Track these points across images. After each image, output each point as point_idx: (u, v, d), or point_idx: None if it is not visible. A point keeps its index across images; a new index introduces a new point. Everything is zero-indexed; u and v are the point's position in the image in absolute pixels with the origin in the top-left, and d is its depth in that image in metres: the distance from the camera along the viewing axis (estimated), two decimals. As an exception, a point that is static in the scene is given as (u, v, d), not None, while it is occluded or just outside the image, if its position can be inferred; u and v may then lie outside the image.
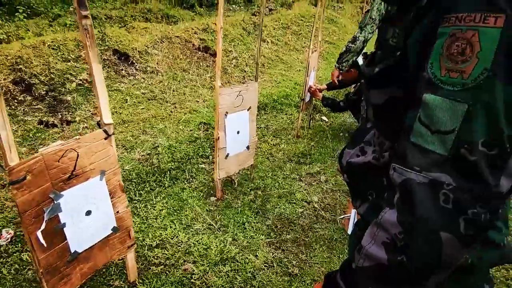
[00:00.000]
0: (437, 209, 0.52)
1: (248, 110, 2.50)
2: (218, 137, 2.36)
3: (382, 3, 2.44)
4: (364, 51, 2.67)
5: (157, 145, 3.23)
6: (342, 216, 2.42)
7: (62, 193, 1.33)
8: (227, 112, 2.35)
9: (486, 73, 0.47)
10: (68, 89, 3.50)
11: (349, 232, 1.11)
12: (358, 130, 0.93)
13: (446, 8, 0.50)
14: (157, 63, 4.53)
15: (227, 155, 2.48)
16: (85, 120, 3.34)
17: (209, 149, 3.26)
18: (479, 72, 0.47)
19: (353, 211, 2.31)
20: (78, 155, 1.37)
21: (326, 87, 3.75)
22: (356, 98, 3.29)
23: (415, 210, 0.54)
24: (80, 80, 3.65)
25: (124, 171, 2.81)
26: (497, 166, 0.49)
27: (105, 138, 1.50)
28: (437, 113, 0.52)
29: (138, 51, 4.50)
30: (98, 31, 4.38)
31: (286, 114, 4.17)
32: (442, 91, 0.51)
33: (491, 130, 0.49)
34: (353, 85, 3.73)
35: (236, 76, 5.13)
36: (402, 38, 0.61)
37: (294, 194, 2.70)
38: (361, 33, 2.47)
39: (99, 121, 1.50)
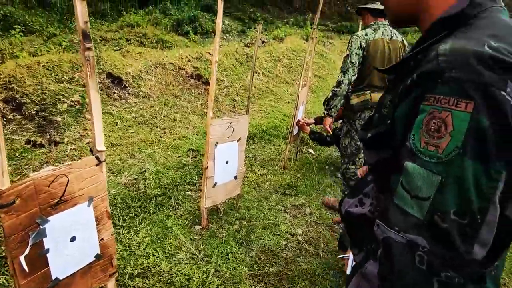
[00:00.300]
0: (413, 268, 0.58)
1: (237, 141, 2.56)
2: (207, 166, 2.40)
3: (360, 47, 2.58)
4: None
5: (144, 170, 3.23)
6: (341, 256, 2.44)
7: (49, 218, 1.34)
8: (217, 142, 2.40)
9: (457, 150, 0.53)
10: (59, 109, 3.52)
11: (348, 272, 1.14)
12: (360, 181, 0.99)
13: (428, 88, 0.57)
14: (149, 88, 4.61)
15: (214, 184, 2.51)
16: (73, 142, 3.34)
17: (196, 176, 3.28)
18: (451, 149, 0.54)
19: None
20: (68, 180, 1.39)
21: (314, 121, 3.86)
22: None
23: (394, 267, 0.60)
24: (72, 101, 3.67)
25: (109, 196, 2.79)
26: (468, 235, 0.54)
27: (97, 165, 1.52)
28: (415, 180, 0.58)
29: (132, 75, 4.57)
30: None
31: (274, 145, 4.25)
32: (420, 161, 0.57)
33: (462, 201, 0.54)
34: (339, 121, 3.86)
35: (226, 105, 5.24)
36: (392, 109, 0.68)
37: (279, 226, 2.72)
38: (344, 77, 2.60)
39: (92, 147, 1.53)
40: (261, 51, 7.39)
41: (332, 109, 2.73)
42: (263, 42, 8.56)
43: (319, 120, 3.98)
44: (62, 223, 1.39)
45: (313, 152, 4.21)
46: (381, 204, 0.75)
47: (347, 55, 2.63)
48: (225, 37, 13.49)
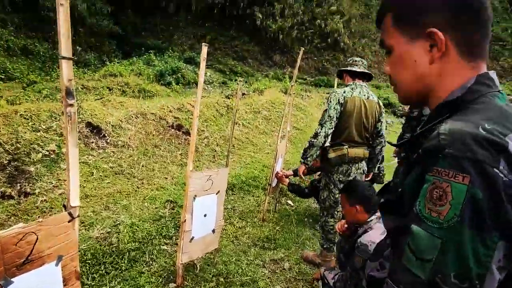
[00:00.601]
0: None
1: (216, 193, 2.55)
2: (185, 220, 2.35)
3: (338, 103, 2.73)
4: None
5: (118, 222, 3.12)
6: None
7: (13, 279, 1.26)
8: (196, 195, 2.37)
9: (456, 218, 0.59)
10: (33, 159, 3.43)
11: None
12: (380, 244, 1.02)
13: (431, 162, 0.65)
14: (129, 138, 4.60)
15: (192, 238, 2.44)
16: (45, 193, 3.22)
17: (173, 229, 3.18)
18: (451, 216, 0.60)
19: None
20: (37, 238, 1.33)
21: (292, 173, 3.92)
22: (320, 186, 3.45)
23: None
24: (47, 151, 3.60)
25: (79, 252, 2.65)
26: None
27: (69, 221, 1.47)
28: (420, 242, 0.63)
29: (112, 124, 4.58)
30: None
31: (253, 196, 4.23)
32: (425, 225, 0.63)
33: (461, 266, 0.59)
34: (317, 173, 3.93)
35: (206, 155, 5.26)
36: (402, 178, 0.75)
37: (257, 283, 2.62)
38: (321, 129, 2.72)
39: (65, 203, 1.49)
40: (242, 102, 7.62)
41: (308, 158, 2.81)
42: (243, 94, 8.87)
43: (297, 173, 4.04)
44: (27, 285, 1.31)
45: (292, 204, 4.21)
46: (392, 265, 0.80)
47: (326, 109, 2.76)
48: (206, 87, 13.90)
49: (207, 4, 17.40)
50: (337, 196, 2.87)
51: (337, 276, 2.00)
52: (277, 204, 4.01)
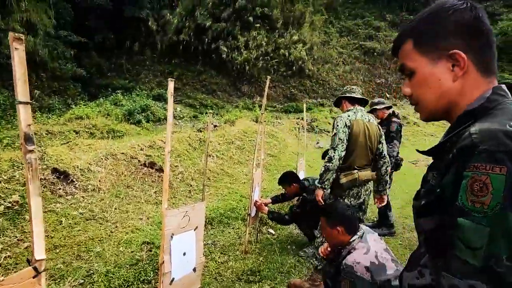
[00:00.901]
0: None
1: (194, 230, 2.46)
2: (163, 261, 2.23)
3: (346, 126, 2.83)
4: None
5: (92, 272, 2.93)
6: None
7: None
8: (173, 234, 2.28)
9: (499, 206, 0.65)
10: (-6, 213, 3.20)
11: None
12: (413, 254, 1.07)
13: (467, 159, 0.72)
14: (99, 181, 4.42)
15: (172, 280, 2.31)
16: (9, 248, 2.99)
17: (151, 272, 3.01)
18: (494, 205, 0.66)
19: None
20: (-2, 301, 1.21)
21: (270, 200, 3.88)
22: (300, 211, 3.43)
23: None
24: (10, 202, 3.38)
25: (49, 308, 2.45)
26: None
27: (34, 277, 1.36)
28: (469, 233, 0.69)
29: (80, 168, 4.40)
30: (38, 150, 4.27)
31: (233, 228, 4.13)
32: (471, 217, 0.69)
33: (510, 248, 0.65)
34: (296, 198, 3.91)
35: (182, 191, 5.13)
36: (439, 179, 0.83)
37: (245, 320, 2.50)
38: (335, 153, 2.80)
39: (29, 257, 1.38)
40: (214, 134, 7.61)
41: (325, 183, 2.84)
42: (215, 126, 8.88)
43: (275, 200, 4.01)
44: None
45: (274, 232, 4.13)
46: (442, 261, 0.84)
47: (335, 133, 2.85)
48: (177, 123, 13.82)
49: (172, 41, 17.64)
50: None
51: (325, 303, 1.94)
52: (258, 234, 3.92)
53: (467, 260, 0.69)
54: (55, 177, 4.02)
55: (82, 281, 2.82)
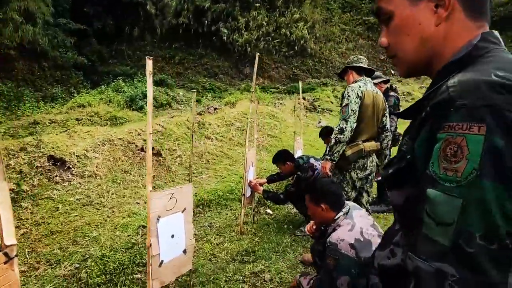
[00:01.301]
0: None
1: (182, 212, 2.44)
2: (151, 244, 2.22)
3: (358, 96, 2.73)
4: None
5: (87, 256, 2.95)
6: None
7: None
8: (159, 216, 2.26)
9: (475, 172, 0.54)
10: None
11: None
12: (388, 231, 0.98)
13: (441, 118, 0.60)
14: (96, 167, 4.42)
15: (161, 263, 2.31)
16: None
17: (147, 255, 3.02)
18: (469, 171, 0.55)
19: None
20: (-36, 287, 1.19)
21: (266, 180, 3.83)
22: (294, 190, 3.38)
23: None
24: (5, 190, 3.40)
25: (44, 293, 2.48)
26: (501, 262, 0.53)
27: (5, 262, 1.34)
28: (438, 206, 0.58)
29: (76, 155, 4.40)
30: (33, 138, 4.27)
31: (231, 209, 4.12)
32: (441, 187, 0.58)
33: (487, 225, 0.53)
34: (291, 177, 3.87)
35: (180, 174, 5.12)
36: (410, 144, 0.71)
37: (238, 299, 2.50)
38: (347, 124, 2.70)
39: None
40: (214, 117, 7.56)
41: (335, 155, 2.75)
42: (215, 109, 8.81)
43: (271, 179, 3.97)
44: None
45: (271, 212, 4.12)
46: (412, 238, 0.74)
47: (346, 104, 2.74)
48: (180, 107, 13.78)
49: (171, 24, 17.40)
50: (349, 194, 2.88)
51: (312, 281, 1.91)
52: (255, 215, 3.91)
53: (435, 239, 0.58)
54: (51, 164, 4.03)
55: (78, 265, 2.85)
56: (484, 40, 0.69)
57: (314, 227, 2.02)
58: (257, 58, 3.18)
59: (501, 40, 0.70)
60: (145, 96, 13.42)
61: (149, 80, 2.15)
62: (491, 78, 0.57)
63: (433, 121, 0.63)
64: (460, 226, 0.55)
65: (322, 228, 1.99)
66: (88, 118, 10.16)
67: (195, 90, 2.56)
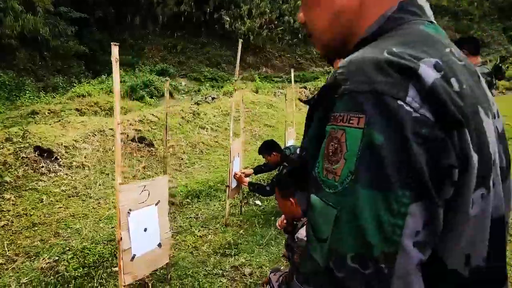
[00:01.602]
0: None
1: (156, 205, 2.36)
2: (121, 238, 2.15)
3: None
4: None
5: (67, 249, 2.91)
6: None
7: None
8: (130, 210, 2.19)
9: (350, 177, 0.42)
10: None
11: None
12: None
13: (328, 106, 0.47)
14: (84, 157, 4.38)
15: (133, 257, 2.24)
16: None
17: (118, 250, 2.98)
18: (345, 175, 0.42)
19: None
20: None
21: (252, 171, 3.74)
22: (280, 181, 3.28)
23: None
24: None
25: (18, 286, 2.44)
26: None
27: None
28: (317, 216, 0.46)
29: (65, 146, 4.35)
30: (19, 128, 4.23)
31: (219, 200, 4.05)
32: (322, 193, 0.46)
33: (359, 243, 0.41)
34: (280, 167, 3.77)
35: (172, 164, 5.06)
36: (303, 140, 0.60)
37: (215, 294, 2.44)
38: None
39: None
40: (210, 107, 7.47)
41: None
42: (213, 98, 8.70)
43: (258, 170, 3.87)
44: None
45: (260, 203, 4.04)
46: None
47: None
48: (182, 97, 13.70)
49: (173, 13, 17.20)
50: None
51: (281, 277, 1.83)
52: (242, 206, 3.83)
53: (314, 257, 0.46)
54: (37, 155, 3.99)
55: (57, 258, 2.80)
56: (401, 10, 0.54)
57: (285, 221, 1.94)
58: (240, 45, 3.06)
59: (426, 9, 0.57)
60: (146, 85, 13.40)
61: (115, 67, 2.07)
62: (382, 55, 0.45)
63: (320, 110, 0.51)
64: (332, 244, 0.43)
65: (295, 222, 1.90)
66: (88, 108, 10.15)
67: (168, 79, 2.46)
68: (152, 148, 5.17)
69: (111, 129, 5.13)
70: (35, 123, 7.75)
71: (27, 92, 12.26)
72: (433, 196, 0.41)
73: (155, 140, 5.35)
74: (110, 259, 2.84)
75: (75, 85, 12.88)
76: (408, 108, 0.41)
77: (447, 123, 0.42)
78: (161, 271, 2.65)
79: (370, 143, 0.41)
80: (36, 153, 4.00)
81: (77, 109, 9.97)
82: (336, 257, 0.42)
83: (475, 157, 0.43)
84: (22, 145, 3.98)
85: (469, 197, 0.44)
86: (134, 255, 2.25)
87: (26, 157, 3.90)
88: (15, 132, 4.04)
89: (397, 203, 0.40)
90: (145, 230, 2.30)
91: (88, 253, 2.87)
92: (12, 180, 3.54)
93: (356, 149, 0.42)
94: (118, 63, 2.07)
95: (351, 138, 0.43)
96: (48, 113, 9.47)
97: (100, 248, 2.95)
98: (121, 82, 10.87)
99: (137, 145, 5.10)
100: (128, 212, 2.18)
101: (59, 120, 5.93)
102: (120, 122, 2.16)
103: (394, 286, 0.40)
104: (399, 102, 0.41)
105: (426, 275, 0.42)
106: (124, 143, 5.02)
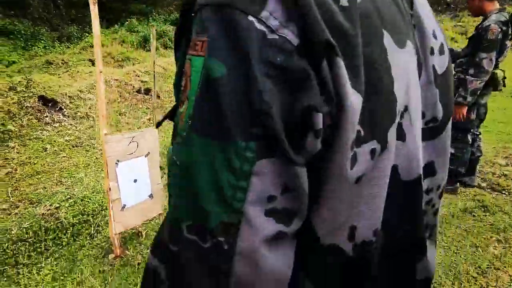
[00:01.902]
0: None
1: (146, 156, 2.32)
2: (110, 188, 2.15)
3: None
4: None
5: (69, 197, 2.98)
6: None
7: None
8: (118, 160, 2.16)
9: (188, 122, 0.32)
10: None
11: None
12: None
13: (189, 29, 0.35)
14: (89, 108, 4.37)
15: (123, 207, 2.26)
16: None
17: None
18: (186, 120, 0.32)
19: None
20: None
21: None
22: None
23: None
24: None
25: (19, 230, 2.54)
26: (218, 271, 0.31)
27: None
28: (168, 171, 0.36)
29: (69, 96, 4.33)
30: (22, 77, 4.21)
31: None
32: (173, 142, 0.36)
33: (194, 210, 0.32)
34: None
35: (177, 117, 5.01)
36: None
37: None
38: None
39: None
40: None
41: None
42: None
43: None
44: None
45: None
46: None
47: None
48: (196, 48, 13.30)
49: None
50: None
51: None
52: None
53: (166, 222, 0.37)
54: (41, 105, 3.99)
55: (58, 205, 2.88)
56: None
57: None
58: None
59: None
60: (160, 36, 13.07)
61: (94, 10, 1.93)
62: None
63: (185, 36, 0.37)
64: (170, 208, 0.34)
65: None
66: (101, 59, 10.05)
67: (153, 24, 2.29)
68: (158, 100, 5.10)
69: (116, 79, 5.06)
70: (49, 73, 7.77)
71: (42, 41, 12.22)
72: (287, 150, 0.29)
73: (161, 92, 5.26)
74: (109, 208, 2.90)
75: (88, 35, 12.70)
76: (260, 26, 0.28)
77: (314, 49, 0.28)
78: (156, 221, 2.68)
79: (207, 77, 0.30)
80: (40, 102, 4.00)
81: (90, 60, 9.90)
82: (172, 226, 0.33)
83: (354, 98, 0.30)
84: (26, 95, 3.98)
85: (346, 153, 0.31)
86: (124, 205, 2.26)
87: (30, 107, 3.91)
88: (19, 81, 4.02)
89: (239, 159, 0.29)
90: (135, 181, 2.29)
91: (88, 201, 2.94)
92: (16, 129, 3.58)
93: (196, 86, 0.30)
94: (96, 4, 1.92)
95: (194, 71, 0.31)
96: (62, 63, 9.46)
97: (100, 197, 3.01)
98: (134, 32, 10.50)
99: (143, 96, 5.04)
100: (116, 163, 2.15)
101: (67, 71, 5.89)
102: (102, 70, 2.07)
103: (237, 266, 0.30)
104: (250, 18, 0.28)
105: (299, 251, 0.33)
106: (129, 94, 4.97)
